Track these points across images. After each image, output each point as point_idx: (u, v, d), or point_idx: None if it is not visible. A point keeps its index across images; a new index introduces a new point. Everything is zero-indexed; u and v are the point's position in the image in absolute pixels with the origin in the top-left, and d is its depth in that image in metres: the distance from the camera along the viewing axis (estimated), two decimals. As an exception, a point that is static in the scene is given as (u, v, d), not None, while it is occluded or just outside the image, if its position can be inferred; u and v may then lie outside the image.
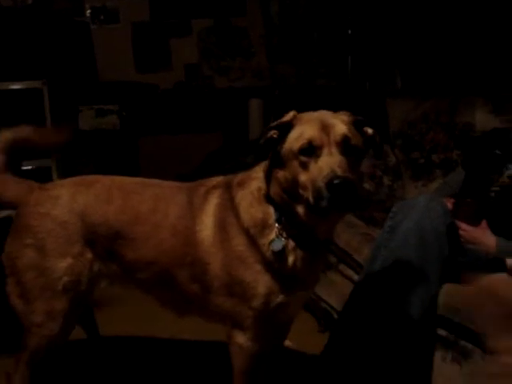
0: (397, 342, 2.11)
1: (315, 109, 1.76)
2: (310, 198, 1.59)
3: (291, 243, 1.76)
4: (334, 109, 1.76)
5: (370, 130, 1.74)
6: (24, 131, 2.09)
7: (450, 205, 2.42)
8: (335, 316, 2.81)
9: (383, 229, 2.29)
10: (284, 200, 1.72)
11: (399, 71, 4.59)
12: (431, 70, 4.31)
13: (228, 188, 1.86)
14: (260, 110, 4.90)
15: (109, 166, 4.69)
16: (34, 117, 4.39)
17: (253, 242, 1.77)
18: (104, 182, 2.02)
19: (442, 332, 2.16)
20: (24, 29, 4.72)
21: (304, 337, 2.77)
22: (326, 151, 1.61)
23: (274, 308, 1.80)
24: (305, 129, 1.65)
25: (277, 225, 1.75)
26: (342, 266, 2.84)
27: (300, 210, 1.69)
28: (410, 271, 2.12)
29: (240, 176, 1.88)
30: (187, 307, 2.00)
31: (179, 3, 5.28)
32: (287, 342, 2.39)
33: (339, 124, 1.66)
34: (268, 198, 1.77)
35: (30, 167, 4.33)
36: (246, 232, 1.78)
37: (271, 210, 1.77)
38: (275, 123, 1.71)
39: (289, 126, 1.69)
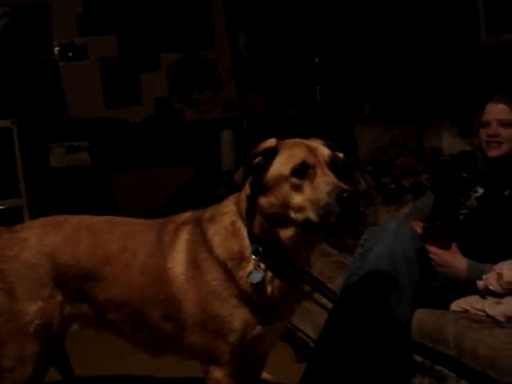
0: (373, 369, 2.11)
1: (286, 138, 1.77)
2: (313, 217, 1.58)
3: (269, 274, 1.75)
4: (304, 137, 1.78)
5: (341, 154, 1.76)
6: None
7: (419, 229, 2.44)
8: (312, 345, 2.80)
9: (354, 256, 2.30)
10: (265, 228, 1.71)
11: (367, 98, 4.63)
12: (398, 96, 4.36)
13: (198, 224, 1.85)
14: (231, 141, 4.91)
15: (81, 203, 4.67)
16: (3, 156, 4.38)
17: (229, 275, 1.76)
18: (72, 222, 2.00)
19: (417, 358, 2.17)
20: (-8, 68, 4.72)
21: (282, 367, 2.76)
22: (319, 171, 1.62)
23: (250, 341, 1.78)
24: (293, 152, 1.66)
25: (253, 256, 1.74)
26: (316, 295, 2.83)
27: (286, 234, 1.68)
28: (383, 298, 2.13)
29: (210, 211, 1.87)
30: (161, 347, 1.97)
31: (147, 37, 5.31)
32: (264, 374, 2.37)
33: (322, 147, 1.70)
34: (245, 230, 1.76)
35: (0, 207, 4.30)
36: (223, 266, 1.76)
37: (247, 242, 1.75)
38: (259, 149, 1.69)
39: (273, 152, 1.68)
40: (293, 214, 1.64)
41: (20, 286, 1.90)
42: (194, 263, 1.80)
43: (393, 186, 3.47)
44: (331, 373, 2.15)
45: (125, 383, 2.82)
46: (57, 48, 5.10)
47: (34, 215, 4.27)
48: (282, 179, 1.64)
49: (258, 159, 1.68)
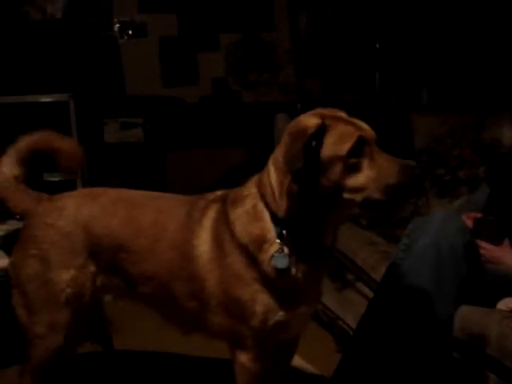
0: (411, 364, 2.05)
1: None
2: (379, 196, 1.55)
3: (293, 257, 1.69)
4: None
5: None
6: (41, 139, 2.07)
7: (470, 222, 2.35)
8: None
9: (399, 246, 2.23)
10: (294, 211, 1.64)
11: (426, 86, 4.55)
12: (458, 85, 4.27)
13: (224, 203, 1.81)
14: (286, 124, 4.84)
15: (134, 180, 4.70)
16: (59, 129, 4.44)
17: (251, 259, 1.71)
18: (110, 194, 2.01)
19: (456, 355, 2.09)
20: (53, 43, 4.79)
21: (322, 357, 2.75)
22: (375, 148, 1.57)
23: (273, 326, 1.74)
24: (343, 129, 1.57)
25: (278, 240, 1.68)
26: (359, 284, 2.78)
27: (325, 215, 1.63)
28: (426, 290, 2.05)
29: (233, 193, 1.82)
30: (189, 324, 1.95)
31: (207, 18, 5.30)
32: (301, 362, 2.33)
33: (361, 122, 1.62)
34: (267, 213, 1.69)
35: (55, 179, 4.37)
36: (245, 250, 1.72)
37: (269, 225, 1.69)
38: (308, 133, 1.56)
39: (323, 130, 1.58)
40: (347, 195, 1.58)
41: (54, 254, 1.91)
42: (218, 243, 1.77)
43: (448, 177, 3.38)
44: (367, 364, 2.10)
45: (160, 359, 2.82)
46: (117, 25, 5.14)
47: (87, 189, 4.32)
48: (337, 160, 1.56)
49: (313, 143, 1.56)
